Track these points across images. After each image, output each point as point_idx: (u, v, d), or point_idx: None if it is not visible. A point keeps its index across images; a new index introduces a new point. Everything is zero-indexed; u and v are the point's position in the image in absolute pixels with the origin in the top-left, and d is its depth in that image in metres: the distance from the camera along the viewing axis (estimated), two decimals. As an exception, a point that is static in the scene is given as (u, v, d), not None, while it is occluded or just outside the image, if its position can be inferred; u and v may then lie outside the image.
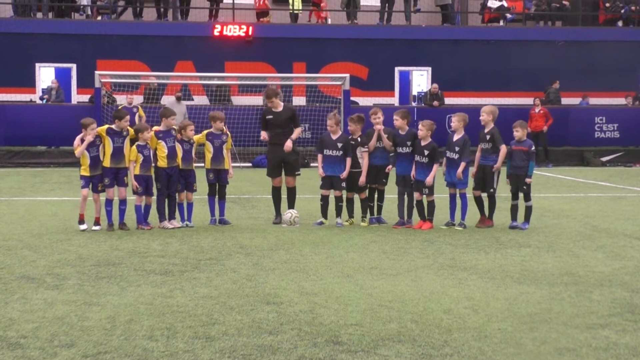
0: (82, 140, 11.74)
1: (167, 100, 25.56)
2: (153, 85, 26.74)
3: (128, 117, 12.27)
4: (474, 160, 12.39)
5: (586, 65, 30.84)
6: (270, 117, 12.87)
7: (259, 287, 7.99)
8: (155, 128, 12.21)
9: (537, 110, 26.65)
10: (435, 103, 26.99)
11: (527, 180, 12.10)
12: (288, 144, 12.76)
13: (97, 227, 11.79)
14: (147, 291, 7.80)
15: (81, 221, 11.87)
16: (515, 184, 12.23)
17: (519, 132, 12.23)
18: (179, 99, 25.07)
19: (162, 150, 11.96)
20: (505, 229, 12.20)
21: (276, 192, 12.97)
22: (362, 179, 12.39)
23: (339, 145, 12.49)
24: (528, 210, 12.26)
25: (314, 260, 9.49)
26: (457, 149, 12.10)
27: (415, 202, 12.25)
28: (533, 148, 12.15)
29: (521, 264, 9.43)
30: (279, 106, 12.90)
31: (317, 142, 12.98)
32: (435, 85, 27.89)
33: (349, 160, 12.47)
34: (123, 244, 10.57)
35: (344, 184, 12.51)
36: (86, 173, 11.78)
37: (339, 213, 12.54)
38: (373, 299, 7.53)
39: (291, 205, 12.99)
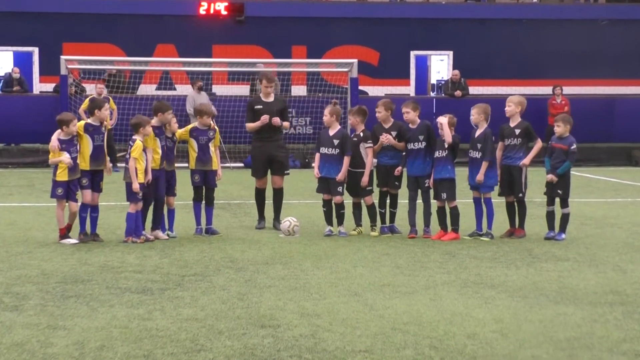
0: (61, 142, 11.47)
1: (188, 91, 25.54)
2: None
3: (107, 105, 12.24)
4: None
5: (635, 48, 30.81)
6: (260, 107, 12.96)
7: (252, 308, 7.99)
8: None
9: (558, 100, 26.60)
10: (458, 93, 27.00)
11: (547, 176, 12.13)
12: (277, 119, 12.80)
13: (74, 241, 11.58)
14: (121, 312, 7.80)
15: (65, 235, 11.65)
16: (552, 187, 12.24)
17: (560, 128, 12.24)
18: (200, 89, 25.11)
19: (157, 150, 11.93)
20: (539, 239, 12.20)
21: (260, 195, 13.11)
22: (365, 179, 12.37)
23: (335, 142, 12.47)
24: (564, 219, 12.26)
25: (316, 276, 9.49)
26: (479, 146, 12.11)
27: (437, 208, 12.24)
28: (574, 147, 12.14)
29: (558, 280, 9.43)
30: (270, 96, 12.99)
31: (316, 140, 13.06)
32: (457, 71, 27.91)
33: (346, 160, 12.42)
34: (93, 258, 10.57)
35: (340, 188, 12.48)
36: (64, 177, 11.53)
37: (340, 221, 12.53)
38: (385, 321, 7.53)
39: (278, 210, 13.05)
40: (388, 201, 12.66)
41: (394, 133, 12.38)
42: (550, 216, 12.32)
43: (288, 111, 13.27)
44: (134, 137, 11.75)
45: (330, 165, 12.48)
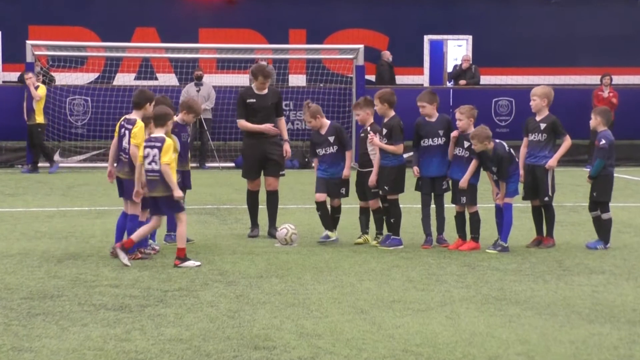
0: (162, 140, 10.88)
1: (187, 85, 25.56)
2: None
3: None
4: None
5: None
6: (253, 100, 12.99)
7: (244, 327, 8.00)
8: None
9: (605, 92, 26.26)
10: (462, 82, 26.95)
11: (588, 179, 12.24)
12: (287, 149, 13.03)
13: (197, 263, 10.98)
14: (95, 332, 7.80)
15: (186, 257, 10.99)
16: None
17: (592, 120, 12.34)
18: (199, 78, 25.09)
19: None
20: (569, 249, 12.19)
21: (253, 198, 13.13)
22: (372, 178, 12.34)
23: (331, 139, 12.51)
24: (602, 225, 12.26)
25: (317, 291, 9.51)
26: (494, 169, 12.02)
27: (455, 214, 12.23)
28: (602, 142, 12.16)
29: (592, 296, 9.43)
30: (265, 88, 13.02)
31: (310, 146, 13.09)
32: (468, 56, 27.84)
33: (348, 155, 12.48)
34: (63, 270, 10.57)
35: (343, 190, 12.48)
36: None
37: (334, 226, 12.57)
38: (395, 342, 7.54)
39: (273, 215, 13.06)
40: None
41: (384, 131, 12.29)
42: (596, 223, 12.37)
43: (283, 104, 13.33)
44: (156, 134, 11.11)
45: (332, 165, 12.50)
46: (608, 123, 12.38)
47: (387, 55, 28.32)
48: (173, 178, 10.92)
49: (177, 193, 10.93)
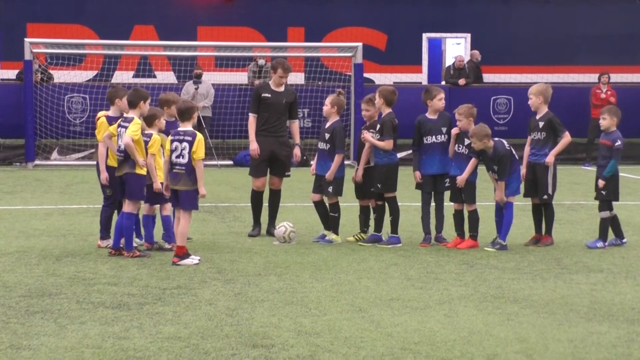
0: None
1: (186, 83, 25.52)
2: None
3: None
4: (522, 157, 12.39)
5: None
6: (267, 95, 12.91)
7: (242, 325, 8.01)
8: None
9: (603, 90, 26.10)
10: (462, 81, 26.97)
11: (600, 182, 12.15)
12: (298, 153, 13.10)
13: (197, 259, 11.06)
14: (94, 330, 7.81)
15: (187, 253, 10.97)
16: (597, 188, 12.30)
17: (605, 120, 12.33)
18: (198, 76, 25.03)
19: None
20: (568, 247, 12.20)
21: (258, 198, 13.09)
22: (358, 174, 12.36)
23: (327, 135, 12.49)
24: (603, 224, 12.25)
25: (316, 289, 9.51)
26: (495, 168, 12.03)
27: (454, 212, 12.23)
28: (618, 143, 12.18)
29: (590, 294, 9.44)
30: (283, 83, 12.97)
31: None
32: (461, 56, 27.87)
33: (337, 158, 12.38)
34: (62, 268, 10.57)
35: (331, 188, 12.46)
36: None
37: (332, 226, 12.53)
38: (394, 340, 7.55)
39: (274, 214, 13.03)
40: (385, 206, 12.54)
41: (377, 127, 12.27)
42: (614, 222, 12.34)
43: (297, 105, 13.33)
44: (184, 128, 11.06)
45: (323, 162, 12.51)
46: (619, 122, 12.43)
47: (477, 55, 28.20)
48: (202, 174, 10.94)
49: (203, 191, 10.93)
